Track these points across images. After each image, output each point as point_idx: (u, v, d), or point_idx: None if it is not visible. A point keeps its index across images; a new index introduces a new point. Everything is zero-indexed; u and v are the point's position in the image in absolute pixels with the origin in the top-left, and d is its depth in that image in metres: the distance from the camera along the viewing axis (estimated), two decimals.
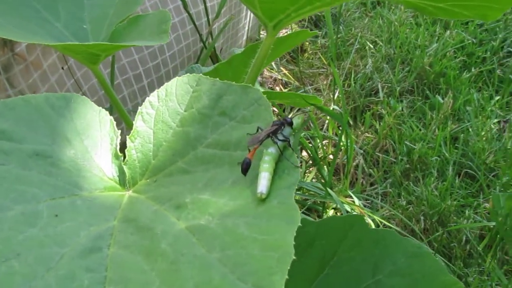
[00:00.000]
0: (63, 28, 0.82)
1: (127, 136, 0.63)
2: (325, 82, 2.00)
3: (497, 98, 1.89)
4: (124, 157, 0.63)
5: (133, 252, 0.48)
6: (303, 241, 0.76)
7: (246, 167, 0.57)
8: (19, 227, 0.49)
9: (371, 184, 1.68)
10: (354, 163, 1.71)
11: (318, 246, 0.76)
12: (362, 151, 1.75)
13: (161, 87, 0.65)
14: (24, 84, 0.99)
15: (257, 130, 0.61)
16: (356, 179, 1.68)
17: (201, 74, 0.65)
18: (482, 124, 1.78)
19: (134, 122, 0.63)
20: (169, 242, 0.48)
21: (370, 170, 1.70)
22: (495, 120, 1.82)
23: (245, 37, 1.68)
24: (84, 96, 0.67)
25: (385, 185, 1.65)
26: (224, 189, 0.54)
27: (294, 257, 0.44)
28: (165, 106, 0.64)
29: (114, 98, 0.83)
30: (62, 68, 1.04)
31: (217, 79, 0.64)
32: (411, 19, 2.28)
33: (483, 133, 1.75)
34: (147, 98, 0.64)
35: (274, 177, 0.54)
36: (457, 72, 2.00)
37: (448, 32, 2.15)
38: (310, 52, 2.13)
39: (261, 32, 2.02)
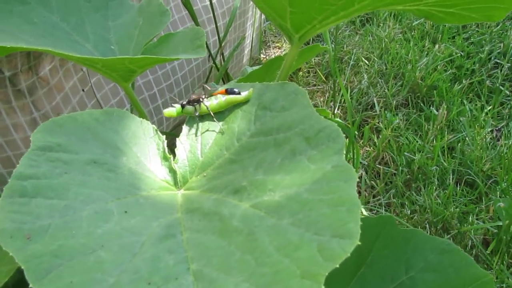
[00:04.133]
0: (92, 49, 0.86)
1: (177, 139, 0.68)
2: (322, 99, 2.05)
3: (489, 108, 1.95)
4: (174, 157, 0.67)
5: (206, 233, 0.52)
6: None
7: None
8: (96, 223, 0.53)
9: (374, 196, 1.72)
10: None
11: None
12: (363, 164, 1.79)
13: None
14: (48, 107, 1.02)
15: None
16: (359, 192, 1.71)
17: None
18: (476, 133, 1.83)
19: (184, 125, 0.68)
20: (239, 220, 0.52)
21: (372, 182, 1.74)
22: (489, 129, 1.87)
23: (247, 57, 1.73)
24: (124, 110, 0.71)
25: (388, 196, 1.69)
26: (275, 168, 0.58)
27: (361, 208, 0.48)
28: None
29: (143, 114, 0.87)
30: (83, 90, 1.08)
31: (256, 82, 0.69)
32: (400, 35, 2.34)
33: (478, 142, 1.80)
34: None
35: (321, 146, 0.58)
36: (449, 84, 2.06)
37: (436, 46, 2.22)
38: (305, 70, 2.19)
39: (262, 52, 2.07)
